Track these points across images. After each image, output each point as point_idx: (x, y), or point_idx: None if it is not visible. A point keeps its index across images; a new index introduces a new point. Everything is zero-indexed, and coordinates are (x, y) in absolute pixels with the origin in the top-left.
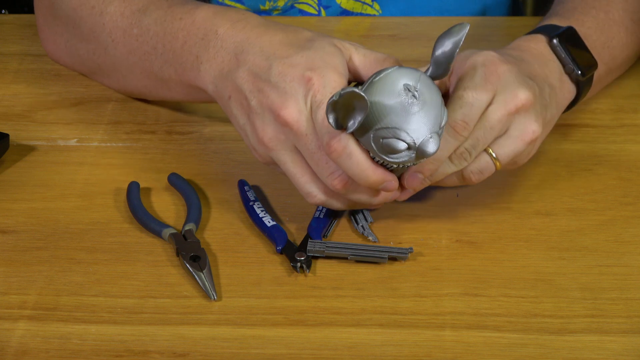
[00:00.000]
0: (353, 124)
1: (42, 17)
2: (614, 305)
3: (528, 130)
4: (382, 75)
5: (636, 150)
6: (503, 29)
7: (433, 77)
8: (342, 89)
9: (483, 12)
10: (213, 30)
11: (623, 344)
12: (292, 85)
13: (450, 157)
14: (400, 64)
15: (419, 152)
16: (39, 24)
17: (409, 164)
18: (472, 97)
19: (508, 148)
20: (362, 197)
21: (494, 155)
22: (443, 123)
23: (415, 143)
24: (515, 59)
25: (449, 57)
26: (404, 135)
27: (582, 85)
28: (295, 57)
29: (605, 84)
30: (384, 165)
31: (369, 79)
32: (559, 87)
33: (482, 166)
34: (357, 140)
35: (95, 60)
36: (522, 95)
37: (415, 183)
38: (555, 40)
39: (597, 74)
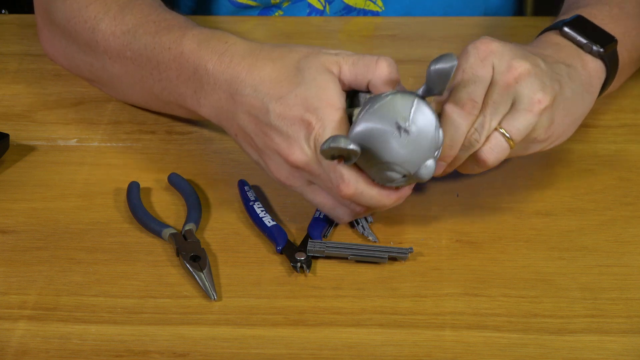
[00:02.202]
0: (349, 161)
1: (41, 19)
2: (614, 305)
3: (534, 100)
4: (376, 105)
5: (636, 150)
6: (506, 28)
7: (429, 95)
8: (330, 140)
9: (486, 11)
10: (202, 65)
11: (623, 344)
12: (293, 129)
13: (464, 146)
14: (392, 64)
15: (415, 179)
16: (38, 24)
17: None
18: (472, 75)
19: (518, 122)
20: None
21: (506, 134)
22: (440, 144)
23: (410, 173)
24: (521, 47)
25: (445, 77)
26: (398, 169)
27: (608, 60)
28: (289, 98)
29: (629, 74)
30: None
31: (365, 105)
32: (581, 66)
33: (495, 145)
34: (363, 173)
35: (93, 72)
36: (517, 64)
37: (437, 171)
38: (565, 28)
39: (621, 60)
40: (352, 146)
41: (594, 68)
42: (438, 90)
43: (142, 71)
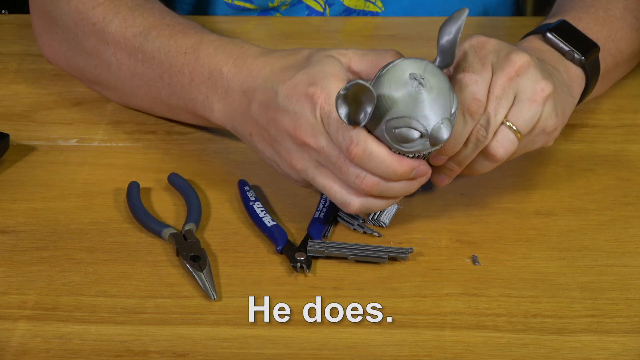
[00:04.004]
0: (364, 116)
1: (39, 22)
2: (614, 305)
3: (537, 89)
4: (388, 67)
5: (636, 150)
6: (504, 29)
7: (441, 66)
8: (348, 82)
9: (485, 12)
10: (217, 69)
11: (623, 344)
12: (299, 104)
13: (469, 140)
14: (400, 55)
15: (432, 139)
16: (35, 27)
17: (425, 152)
18: (473, 76)
19: (523, 113)
20: (398, 190)
21: (513, 126)
22: (454, 109)
23: (427, 130)
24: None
25: (453, 42)
26: (415, 124)
27: (589, 69)
28: (296, 77)
29: (616, 79)
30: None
31: (377, 73)
32: (563, 70)
33: (502, 139)
34: (375, 137)
35: (96, 75)
36: (516, 57)
37: (439, 162)
38: (548, 34)
39: (605, 66)
40: (370, 85)
41: (575, 74)
42: (449, 56)
43: (151, 74)
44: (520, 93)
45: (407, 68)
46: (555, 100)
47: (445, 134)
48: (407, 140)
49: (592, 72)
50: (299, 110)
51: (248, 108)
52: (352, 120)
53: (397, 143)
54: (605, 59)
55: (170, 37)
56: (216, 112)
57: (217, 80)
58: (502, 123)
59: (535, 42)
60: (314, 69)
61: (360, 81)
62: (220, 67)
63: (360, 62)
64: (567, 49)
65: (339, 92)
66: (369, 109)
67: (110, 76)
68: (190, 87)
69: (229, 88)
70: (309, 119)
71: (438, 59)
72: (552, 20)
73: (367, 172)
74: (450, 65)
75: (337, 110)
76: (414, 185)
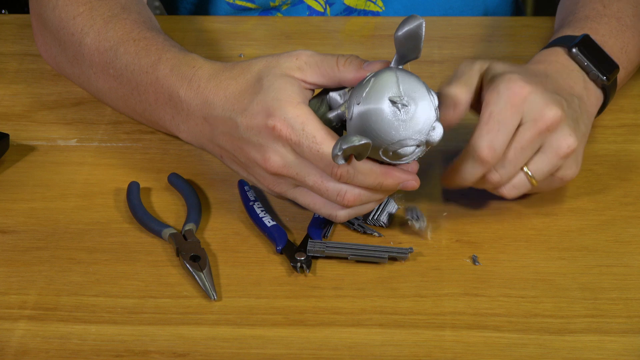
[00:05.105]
0: (361, 157)
1: (35, 23)
2: (614, 305)
3: (563, 145)
4: (362, 96)
5: (636, 150)
6: (504, 28)
7: (404, 62)
8: (340, 142)
9: (485, 11)
10: (175, 92)
11: (623, 344)
12: (261, 137)
13: (482, 180)
14: (358, 59)
15: (428, 144)
16: (33, 28)
17: (420, 155)
18: (498, 123)
19: (542, 164)
20: (382, 196)
21: (529, 173)
22: (436, 103)
23: (422, 141)
24: (539, 75)
25: (416, 37)
26: (411, 142)
27: (608, 89)
28: (251, 107)
29: (621, 86)
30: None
31: (353, 98)
32: (586, 95)
33: (517, 184)
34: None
35: (81, 83)
36: (550, 114)
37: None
38: (574, 50)
39: (618, 79)
40: (363, 140)
41: (595, 96)
42: (413, 55)
43: (124, 89)
44: (546, 145)
45: (382, 90)
46: (578, 151)
47: (438, 137)
48: (404, 155)
49: (610, 93)
50: (263, 143)
51: (212, 134)
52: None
53: (395, 160)
54: (619, 73)
55: (135, 54)
56: (182, 132)
57: (176, 103)
58: (520, 168)
59: (562, 56)
60: (268, 97)
61: (354, 141)
62: (177, 89)
63: (315, 73)
64: (592, 69)
65: (332, 151)
66: (364, 155)
67: (91, 86)
68: (156, 105)
69: (189, 112)
70: (277, 151)
71: (398, 56)
72: (572, 30)
73: (347, 188)
74: (416, 57)
75: (335, 161)
76: (400, 187)
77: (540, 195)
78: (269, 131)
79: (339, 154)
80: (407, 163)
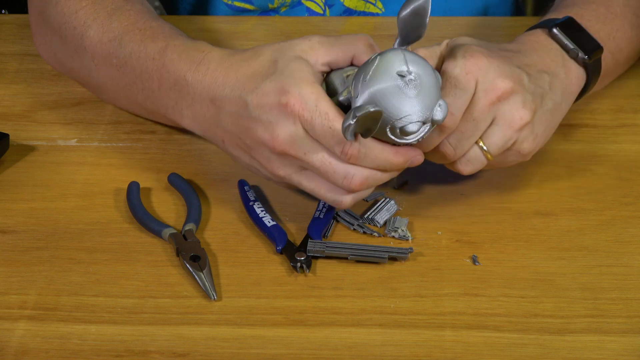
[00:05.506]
0: (368, 132)
1: (35, 22)
2: (614, 305)
3: (515, 117)
4: (369, 72)
5: (636, 150)
6: (504, 28)
7: (408, 43)
8: (358, 111)
9: (486, 11)
10: (182, 76)
11: (623, 344)
12: (272, 114)
13: (436, 151)
14: (368, 39)
15: (433, 122)
16: (32, 28)
17: (424, 135)
18: (454, 88)
19: (496, 137)
20: (387, 177)
21: (484, 147)
22: (440, 82)
23: (429, 117)
24: (506, 50)
25: (422, 13)
26: (417, 117)
27: (591, 68)
28: (264, 85)
29: (613, 77)
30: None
31: (359, 78)
32: (564, 73)
33: (472, 158)
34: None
35: (82, 77)
36: (502, 84)
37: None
38: (555, 29)
39: (605, 65)
40: (376, 107)
41: (576, 75)
42: (417, 33)
43: (126, 79)
44: (499, 117)
45: (389, 65)
46: (535, 125)
47: (443, 115)
48: (411, 133)
49: (593, 72)
50: (274, 120)
51: (217, 116)
52: (355, 137)
53: (402, 138)
54: (605, 57)
55: (140, 42)
56: (185, 117)
57: (182, 87)
58: (475, 143)
59: (541, 36)
60: (282, 77)
61: (367, 108)
62: (184, 73)
63: (328, 53)
64: (571, 47)
65: (346, 120)
66: (376, 127)
67: (92, 79)
68: (160, 92)
69: (195, 95)
70: (287, 128)
71: (401, 38)
72: (557, 15)
73: (355, 170)
74: (420, 38)
75: (345, 135)
76: (401, 167)
77: (540, 196)
78: (280, 108)
79: (352, 122)
80: (412, 144)
